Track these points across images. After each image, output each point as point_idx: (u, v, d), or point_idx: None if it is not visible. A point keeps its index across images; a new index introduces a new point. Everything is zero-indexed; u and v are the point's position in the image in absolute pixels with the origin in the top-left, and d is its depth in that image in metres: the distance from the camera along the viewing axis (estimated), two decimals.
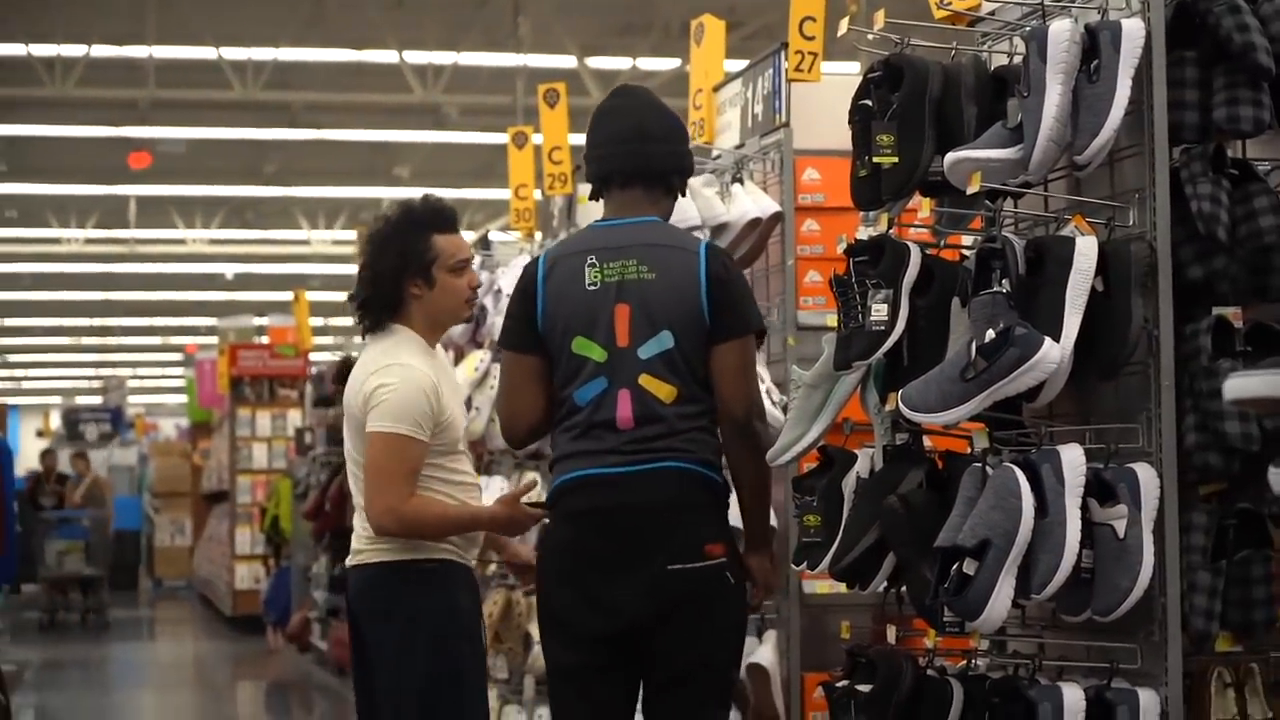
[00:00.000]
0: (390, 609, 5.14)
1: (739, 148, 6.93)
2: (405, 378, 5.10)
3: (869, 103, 4.82)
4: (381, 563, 5.16)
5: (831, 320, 4.98)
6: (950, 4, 5.01)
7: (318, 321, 32.19)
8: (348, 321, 36.57)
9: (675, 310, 4.82)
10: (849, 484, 5.06)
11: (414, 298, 5.22)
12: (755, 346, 4.98)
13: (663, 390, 4.81)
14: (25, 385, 54.22)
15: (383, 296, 5.23)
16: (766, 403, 5.79)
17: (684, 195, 5.18)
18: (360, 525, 5.23)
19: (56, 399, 50.14)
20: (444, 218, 5.28)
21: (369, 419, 5.10)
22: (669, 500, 4.78)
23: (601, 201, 5.08)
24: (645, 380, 4.81)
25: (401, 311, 5.24)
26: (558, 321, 4.88)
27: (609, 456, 4.81)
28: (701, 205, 6.40)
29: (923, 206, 4.87)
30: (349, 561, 5.30)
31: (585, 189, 5.38)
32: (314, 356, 21.95)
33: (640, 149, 4.97)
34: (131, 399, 44.53)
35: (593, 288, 4.86)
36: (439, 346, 5.39)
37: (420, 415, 5.08)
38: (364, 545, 5.20)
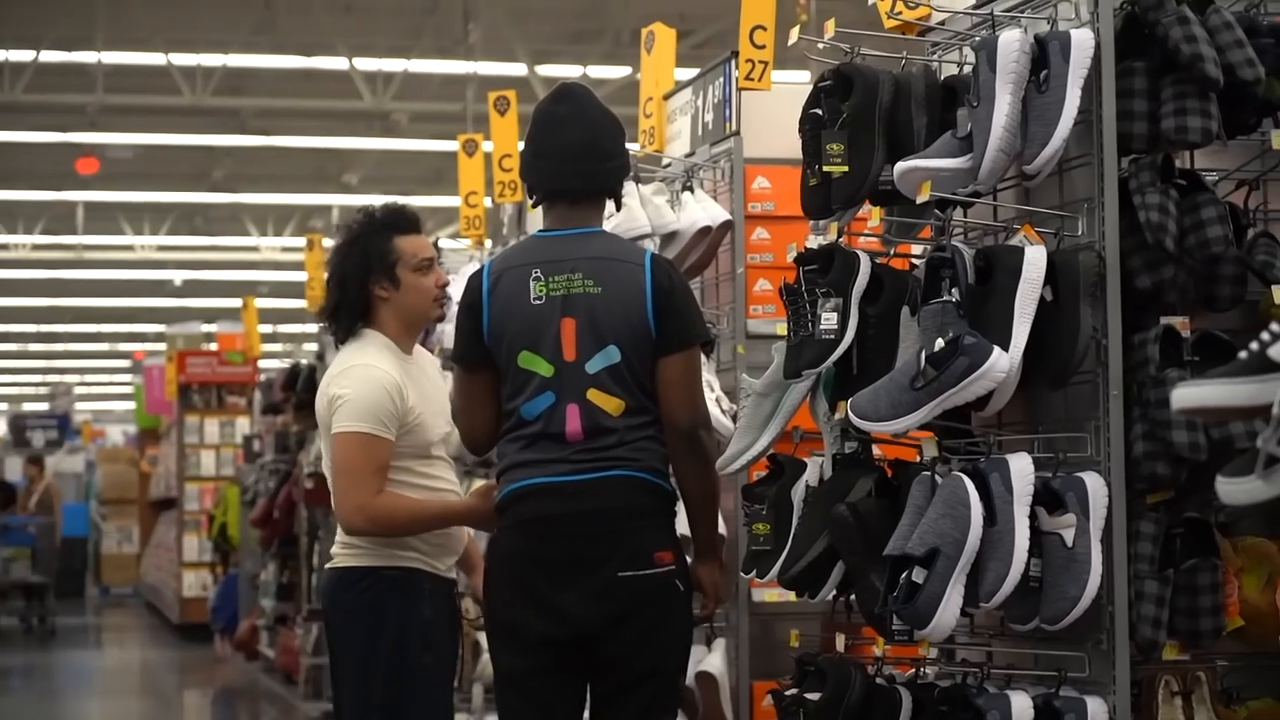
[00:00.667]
0: (353, 611, 5.18)
1: (689, 156, 6.93)
2: (365, 377, 5.11)
3: (819, 111, 4.83)
4: (349, 566, 5.20)
5: (781, 328, 4.97)
6: (900, 14, 5.02)
7: (266, 328, 32.01)
8: (297, 328, 36.58)
9: (621, 324, 4.79)
10: (798, 492, 5.06)
11: (381, 300, 5.23)
12: (700, 357, 4.97)
13: (610, 404, 4.79)
14: None
15: (350, 302, 5.25)
16: (716, 411, 5.79)
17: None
18: (338, 528, 5.28)
19: (3, 405, 49.82)
20: (405, 220, 5.30)
21: (333, 422, 5.12)
22: (618, 508, 4.77)
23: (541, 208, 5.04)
24: (593, 395, 4.79)
25: (371, 316, 5.25)
26: (504, 335, 4.85)
27: (558, 465, 4.79)
28: (651, 213, 6.40)
29: (873, 215, 4.88)
30: (327, 564, 5.39)
31: None
32: (263, 364, 21.87)
33: (595, 167, 4.93)
34: (79, 405, 44.26)
35: (538, 302, 4.83)
36: (420, 350, 5.40)
37: (383, 414, 5.08)
38: (338, 549, 5.25)
